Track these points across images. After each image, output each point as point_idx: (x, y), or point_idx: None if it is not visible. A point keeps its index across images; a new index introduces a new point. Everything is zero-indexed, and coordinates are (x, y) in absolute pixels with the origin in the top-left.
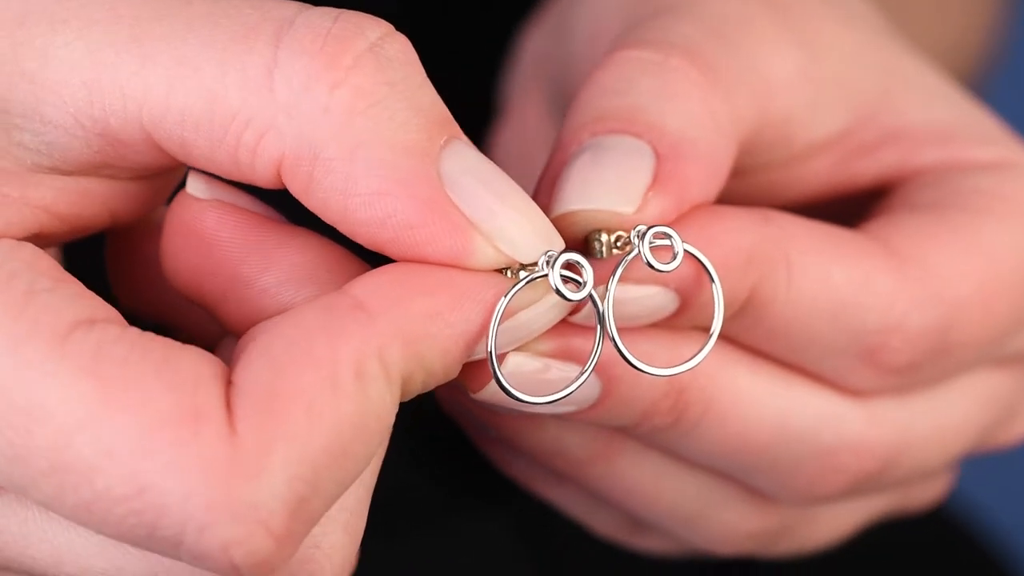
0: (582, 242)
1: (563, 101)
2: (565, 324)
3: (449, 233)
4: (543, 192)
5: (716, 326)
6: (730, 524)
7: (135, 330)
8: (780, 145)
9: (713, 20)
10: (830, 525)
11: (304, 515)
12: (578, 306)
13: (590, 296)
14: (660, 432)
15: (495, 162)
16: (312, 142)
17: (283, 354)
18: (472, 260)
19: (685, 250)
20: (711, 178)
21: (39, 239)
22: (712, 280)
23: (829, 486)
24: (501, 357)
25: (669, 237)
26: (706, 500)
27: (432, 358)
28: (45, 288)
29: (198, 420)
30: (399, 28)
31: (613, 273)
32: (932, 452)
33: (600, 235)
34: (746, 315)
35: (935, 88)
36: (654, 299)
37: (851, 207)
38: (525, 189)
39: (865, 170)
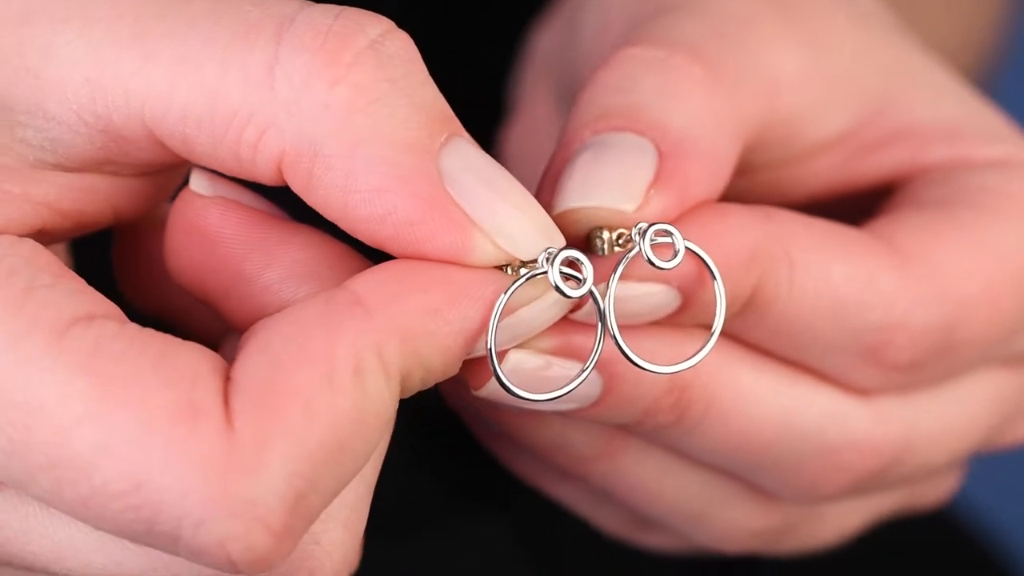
0: (584, 239)
1: (571, 99)
2: (566, 321)
3: (449, 230)
4: (545, 189)
5: (718, 324)
6: (734, 522)
7: (134, 326)
8: (786, 143)
9: (717, 18)
10: (835, 523)
11: (302, 511)
12: (579, 303)
13: (590, 293)
14: (663, 430)
15: (504, 160)
16: (312, 139)
17: (281, 350)
18: (472, 257)
19: (687, 248)
20: (713, 176)
21: (41, 235)
22: (714, 278)
23: (833, 484)
24: (502, 354)
25: (671, 235)
26: (710, 498)
27: (431, 355)
28: (44, 284)
29: (195, 416)
30: (401, 27)
31: (614, 270)
32: (937, 451)
33: (602, 232)
34: (748, 313)
35: (943, 85)
36: (655, 296)
37: (858, 205)
38: (534, 187)
39: (872, 168)
